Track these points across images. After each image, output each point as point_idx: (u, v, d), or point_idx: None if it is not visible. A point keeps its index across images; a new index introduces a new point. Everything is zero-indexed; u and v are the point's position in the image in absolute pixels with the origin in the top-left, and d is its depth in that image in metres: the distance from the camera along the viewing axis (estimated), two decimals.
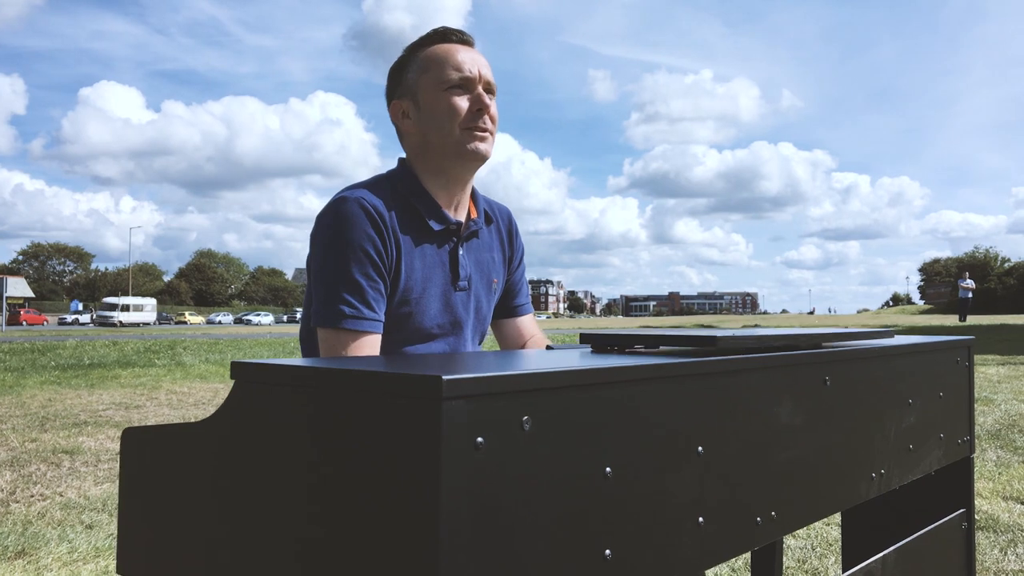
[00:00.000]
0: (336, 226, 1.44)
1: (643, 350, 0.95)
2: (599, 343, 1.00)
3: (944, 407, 1.45)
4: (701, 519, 0.85)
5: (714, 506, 0.87)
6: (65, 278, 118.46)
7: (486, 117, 1.54)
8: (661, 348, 0.95)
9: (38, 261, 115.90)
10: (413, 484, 0.60)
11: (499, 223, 1.73)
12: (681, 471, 0.82)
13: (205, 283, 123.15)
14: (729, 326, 29.10)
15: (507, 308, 1.76)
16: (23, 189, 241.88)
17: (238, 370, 0.74)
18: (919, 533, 1.36)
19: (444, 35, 1.58)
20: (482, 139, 1.54)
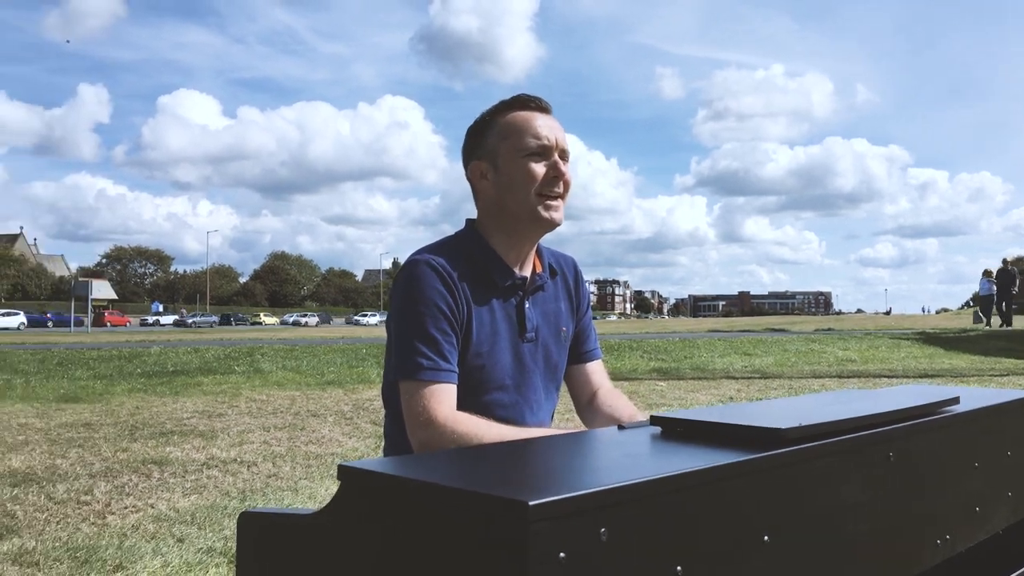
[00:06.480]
0: (410, 287, 1.57)
1: (708, 439, 1.01)
2: (669, 427, 1.07)
3: (1012, 465, 1.47)
4: None
5: None
6: (146, 280, 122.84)
7: (560, 183, 1.64)
8: (727, 436, 1.01)
9: (120, 264, 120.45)
10: None
11: (565, 274, 1.82)
12: (748, 562, 0.88)
13: (279, 284, 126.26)
14: (801, 327, 28.47)
15: (576, 354, 1.84)
16: (106, 194, 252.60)
17: (343, 473, 0.83)
18: None
19: (524, 103, 1.68)
20: (555, 208, 1.64)
